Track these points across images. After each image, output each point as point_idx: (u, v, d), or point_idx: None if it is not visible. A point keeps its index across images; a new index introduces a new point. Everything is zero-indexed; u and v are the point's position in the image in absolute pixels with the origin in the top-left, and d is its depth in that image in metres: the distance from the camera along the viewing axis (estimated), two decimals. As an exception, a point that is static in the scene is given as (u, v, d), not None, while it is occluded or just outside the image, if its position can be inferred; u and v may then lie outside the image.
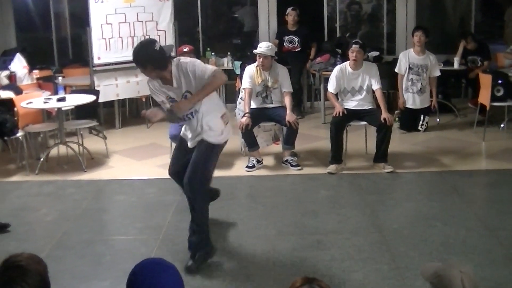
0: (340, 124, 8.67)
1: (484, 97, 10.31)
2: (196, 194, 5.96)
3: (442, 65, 11.50)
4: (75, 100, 9.35)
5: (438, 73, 10.60)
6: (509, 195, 7.72)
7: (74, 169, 9.07)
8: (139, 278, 2.98)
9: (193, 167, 5.90)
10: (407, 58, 10.54)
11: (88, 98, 9.34)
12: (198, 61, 5.84)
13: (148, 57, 5.67)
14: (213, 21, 14.97)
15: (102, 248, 6.40)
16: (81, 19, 12.34)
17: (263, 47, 8.77)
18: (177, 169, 6.29)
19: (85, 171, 8.93)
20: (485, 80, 10.30)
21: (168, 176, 8.54)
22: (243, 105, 8.81)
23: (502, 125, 10.77)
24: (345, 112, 8.68)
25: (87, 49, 11.16)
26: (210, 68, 5.73)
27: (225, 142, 6.15)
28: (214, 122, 5.95)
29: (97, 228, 7.03)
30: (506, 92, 10.17)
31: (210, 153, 5.97)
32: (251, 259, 6.03)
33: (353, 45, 8.78)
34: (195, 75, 5.66)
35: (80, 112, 9.94)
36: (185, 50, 8.92)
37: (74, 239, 6.66)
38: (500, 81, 10.16)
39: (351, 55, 8.75)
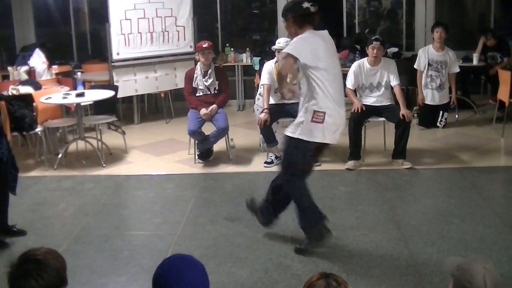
0: (358, 120, 8.65)
1: (503, 94, 10.26)
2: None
3: (461, 61, 11.46)
4: (94, 95, 9.38)
5: (457, 70, 10.56)
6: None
7: (93, 164, 9.11)
8: (167, 272, 2.98)
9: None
10: (427, 54, 10.51)
11: (107, 94, 9.36)
12: (303, 38, 5.75)
13: (291, 9, 5.86)
14: (232, 16, 14.98)
15: (120, 243, 6.41)
16: (100, 15, 12.40)
17: (282, 42, 8.76)
18: None
19: (104, 166, 8.96)
20: (505, 77, 10.25)
21: (186, 172, 8.60)
22: (262, 101, 8.81)
23: (521, 122, 10.72)
24: (364, 108, 8.67)
25: (106, 45, 11.19)
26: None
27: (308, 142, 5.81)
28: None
29: (115, 223, 7.04)
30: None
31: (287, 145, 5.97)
32: (269, 254, 6.02)
33: (374, 42, 8.75)
34: None
35: (99, 107, 9.98)
36: (204, 46, 8.92)
37: (93, 234, 6.68)
38: (519, 78, 10.11)
39: (371, 51, 8.72)
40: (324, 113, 5.69)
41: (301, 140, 5.76)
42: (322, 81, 5.68)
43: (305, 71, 5.74)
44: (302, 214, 5.99)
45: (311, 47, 5.69)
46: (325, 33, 5.99)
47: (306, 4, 5.82)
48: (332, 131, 5.82)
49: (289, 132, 5.84)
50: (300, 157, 5.85)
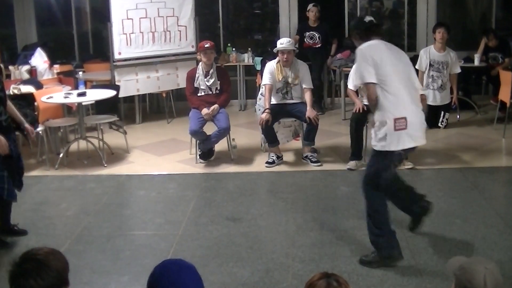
0: (360, 120, 8.65)
1: (505, 94, 10.26)
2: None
3: (463, 62, 11.46)
4: (95, 95, 9.38)
5: (458, 70, 10.56)
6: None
7: (94, 164, 9.11)
8: (159, 279, 2.99)
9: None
10: (428, 55, 10.51)
11: (109, 93, 9.37)
12: (363, 56, 5.74)
13: (355, 26, 6.03)
14: (234, 16, 14.98)
15: (122, 243, 6.42)
16: (102, 14, 12.40)
17: (285, 42, 8.76)
18: None
19: (105, 166, 8.97)
20: (506, 77, 10.25)
21: (188, 172, 8.61)
22: (264, 101, 8.81)
23: (523, 122, 10.72)
24: (365, 108, 8.66)
25: (108, 44, 11.19)
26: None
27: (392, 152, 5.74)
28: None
29: (117, 223, 7.04)
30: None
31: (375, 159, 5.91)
32: (271, 254, 6.03)
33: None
34: None
35: (101, 107, 9.99)
36: (206, 46, 8.93)
37: (94, 233, 6.68)
38: (520, 78, 10.12)
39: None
40: (405, 118, 5.61)
41: (389, 152, 5.69)
42: (392, 88, 5.63)
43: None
44: (375, 231, 5.87)
45: (372, 61, 5.62)
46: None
47: (367, 18, 5.92)
48: (418, 131, 5.82)
49: (377, 146, 5.73)
50: (387, 168, 5.81)
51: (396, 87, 5.61)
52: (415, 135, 5.74)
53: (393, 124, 5.56)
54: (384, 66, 5.59)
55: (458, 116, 11.32)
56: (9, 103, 6.70)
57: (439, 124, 10.71)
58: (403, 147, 5.66)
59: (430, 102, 10.54)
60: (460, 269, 3.19)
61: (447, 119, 10.74)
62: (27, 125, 6.86)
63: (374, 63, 5.58)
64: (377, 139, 5.69)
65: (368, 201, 5.87)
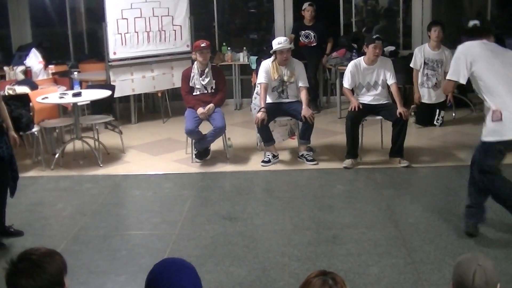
0: (356, 118, 8.65)
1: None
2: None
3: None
4: (90, 95, 9.37)
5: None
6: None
7: (90, 164, 9.09)
8: (158, 278, 2.98)
9: None
10: (422, 53, 10.52)
11: (104, 93, 9.36)
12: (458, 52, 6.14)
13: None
14: (229, 15, 14.97)
15: (119, 243, 6.42)
16: (97, 14, 12.39)
17: (283, 41, 8.77)
18: None
19: (101, 166, 8.96)
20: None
21: (184, 171, 8.60)
22: (259, 100, 8.81)
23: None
24: (361, 107, 8.67)
25: (103, 44, 11.18)
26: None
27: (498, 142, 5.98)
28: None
29: (114, 223, 7.04)
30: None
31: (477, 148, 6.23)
32: (267, 253, 6.03)
33: (377, 41, 8.74)
34: None
35: (96, 107, 9.98)
36: (202, 45, 8.93)
37: (91, 234, 6.68)
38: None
39: (374, 51, 8.69)
40: (500, 111, 5.86)
41: (488, 142, 5.99)
42: (486, 82, 5.98)
43: (472, 80, 6.11)
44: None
45: (465, 60, 6.02)
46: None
47: (471, 22, 6.29)
48: None
49: (482, 136, 6.06)
50: (490, 157, 6.05)
51: (498, 82, 5.96)
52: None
53: (491, 116, 5.94)
54: (477, 64, 5.98)
55: (453, 114, 11.33)
56: (3, 105, 6.69)
57: (435, 122, 10.73)
58: (504, 138, 5.93)
59: (425, 100, 10.58)
60: (458, 263, 3.26)
61: (442, 117, 10.76)
62: (12, 133, 6.80)
63: (469, 64, 6.00)
64: (483, 129, 6.10)
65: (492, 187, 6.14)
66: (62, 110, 9.94)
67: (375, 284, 5.39)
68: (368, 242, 6.21)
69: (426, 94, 10.58)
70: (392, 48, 12.48)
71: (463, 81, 6.09)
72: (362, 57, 8.96)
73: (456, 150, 9.33)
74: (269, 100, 8.84)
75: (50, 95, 9.23)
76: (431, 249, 6.01)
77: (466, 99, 11.87)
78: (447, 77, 6.14)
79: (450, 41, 11.69)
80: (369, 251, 6.02)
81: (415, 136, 10.05)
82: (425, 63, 10.48)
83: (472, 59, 5.97)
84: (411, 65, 10.64)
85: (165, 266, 3.04)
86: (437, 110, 10.70)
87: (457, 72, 6.07)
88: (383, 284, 5.39)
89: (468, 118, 11.32)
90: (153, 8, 11.39)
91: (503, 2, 14.19)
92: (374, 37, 8.92)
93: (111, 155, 9.55)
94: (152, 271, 3.02)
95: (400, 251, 5.99)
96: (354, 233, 6.44)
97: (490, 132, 5.94)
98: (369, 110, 8.80)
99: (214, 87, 9.07)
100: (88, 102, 9.81)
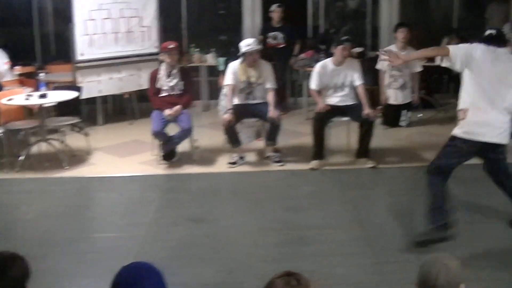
0: (322, 120, 8.68)
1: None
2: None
3: (425, 61, 11.53)
4: (57, 96, 9.30)
5: (419, 69, 10.65)
6: (490, 189, 7.72)
7: (56, 166, 9.01)
8: (124, 282, 2.96)
9: None
10: (390, 54, 10.56)
11: (70, 95, 9.30)
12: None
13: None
14: (198, 17, 14.93)
15: (85, 246, 6.38)
16: (64, 15, 12.27)
17: (252, 43, 8.78)
18: None
19: (67, 168, 8.88)
20: (467, 76, 10.33)
21: (150, 173, 8.57)
22: (226, 102, 8.81)
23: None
24: (328, 108, 8.70)
25: (71, 45, 11.10)
26: None
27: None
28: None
29: (80, 226, 6.99)
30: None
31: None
32: (234, 254, 6.04)
33: (345, 43, 8.77)
34: None
35: (62, 109, 9.90)
36: (170, 46, 8.92)
37: (56, 237, 6.63)
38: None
39: (342, 53, 8.71)
40: (466, 110, 6.09)
41: (456, 137, 6.15)
42: (468, 83, 6.10)
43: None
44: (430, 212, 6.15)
45: (464, 55, 6.00)
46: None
47: (488, 32, 6.27)
48: (478, 127, 6.05)
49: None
50: (448, 154, 6.23)
51: (478, 87, 6.04)
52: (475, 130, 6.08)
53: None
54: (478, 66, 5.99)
55: (420, 115, 11.40)
56: None
57: (401, 123, 10.81)
58: (465, 137, 6.12)
59: (392, 101, 10.65)
60: (423, 262, 3.30)
61: (409, 118, 10.85)
62: None
63: (464, 61, 5.99)
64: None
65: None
66: (28, 112, 9.86)
67: (341, 285, 5.42)
68: (334, 243, 6.24)
69: (392, 95, 10.65)
70: (359, 49, 12.52)
71: (456, 67, 6.04)
72: (329, 58, 8.99)
73: (422, 150, 9.39)
74: (236, 101, 8.85)
75: (15, 97, 9.14)
76: (397, 250, 6.05)
77: (432, 99, 11.95)
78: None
79: (417, 42, 11.77)
80: (335, 251, 6.05)
81: (381, 137, 10.08)
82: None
83: (472, 57, 5.97)
84: (378, 66, 10.70)
85: (132, 270, 3.02)
86: (404, 111, 10.78)
87: (454, 55, 5.99)
88: (349, 284, 5.43)
89: (434, 119, 11.39)
90: (121, 9, 11.33)
91: (470, 4, 14.32)
92: (343, 38, 8.96)
93: (77, 157, 9.48)
94: (119, 275, 2.99)
95: (365, 251, 6.03)
96: (320, 234, 6.47)
97: (460, 128, 6.09)
98: (336, 111, 8.83)
99: (181, 89, 9.05)
100: (55, 103, 9.74)
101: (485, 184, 7.88)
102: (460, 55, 5.94)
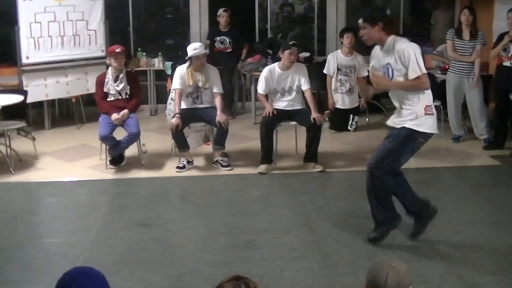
0: (270, 124, 8.71)
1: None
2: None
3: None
4: (2, 100, 9.18)
5: (365, 74, 10.73)
6: (435, 192, 7.85)
7: (2, 171, 8.89)
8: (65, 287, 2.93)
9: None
10: (336, 59, 10.67)
11: (16, 99, 9.20)
12: (416, 51, 5.94)
13: (384, 16, 6.19)
14: (145, 21, 14.88)
15: (32, 252, 6.30)
16: (9, 17, 12.14)
17: (198, 47, 8.77)
18: None
19: (14, 173, 8.77)
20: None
21: (98, 177, 8.51)
22: (174, 106, 8.79)
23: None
24: (275, 112, 8.73)
25: (16, 48, 10.97)
26: (420, 70, 5.90)
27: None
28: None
29: (27, 231, 6.91)
30: (433, 93, 10.30)
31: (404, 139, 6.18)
32: (183, 259, 6.03)
33: (292, 47, 8.82)
34: (404, 63, 5.92)
35: (8, 113, 9.79)
36: (117, 50, 8.88)
37: (3, 243, 6.53)
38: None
39: (289, 57, 8.76)
40: (431, 106, 6.12)
41: (421, 133, 6.11)
42: None
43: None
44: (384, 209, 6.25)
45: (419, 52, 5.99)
46: None
47: (388, 11, 6.16)
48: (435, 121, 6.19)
49: (411, 125, 6.08)
50: (409, 151, 6.24)
51: None
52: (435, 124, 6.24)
53: (423, 109, 6.06)
54: None
55: (367, 119, 11.51)
56: None
57: (349, 127, 10.91)
58: (432, 131, 6.20)
59: (339, 105, 10.74)
60: (372, 265, 3.31)
61: (356, 122, 10.94)
62: None
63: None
64: (408, 119, 6.12)
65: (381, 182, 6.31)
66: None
67: (290, 289, 5.44)
68: (283, 247, 6.26)
69: (340, 100, 10.74)
70: (307, 54, 12.61)
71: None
72: (276, 62, 9.04)
73: (370, 154, 9.34)
74: (183, 106, 8.83)
75: (-41, 101, 9.03)
76: (346, 253, 6.11)
77: (379, 104, 12.06)
78: (418, 74, 5.98)
79: (364, 47, 11.87)
80: (284, 255, 6.07)
81: (329, 141, 10.16)
82: (338, 69, 10.64)
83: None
84: (325, 71, 10.77)
85: (74, 275, 2.99)
86: (351, 116, 10.88)
87: (422, 66, 5.96)
88: (298, 288, 5.45)
89: (382, 123, 11.44)
90: (67, 12, 11.23)
91: (416, 10, 14.51)
92: (291, 43, 9.01)
93: (24, 162, 9.37)
94: (61, 281, 2.97)
95: (314, 255, 6.06)
96: (269, 238, 6.49)
97: (423, 124, 6.07)
98: (283, 115, 8.87)
99: (128, 93, 9.02)
100: (0, 107, 9.62)
101: (435, 188, 8.05)
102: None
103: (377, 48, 6.26)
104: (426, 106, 6.04)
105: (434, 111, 6.15)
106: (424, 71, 5.89)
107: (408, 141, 6.10)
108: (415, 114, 6.00)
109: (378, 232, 6.27)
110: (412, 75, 5.86)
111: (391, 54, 5.99)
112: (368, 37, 6.18)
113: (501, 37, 9.52)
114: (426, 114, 6.03)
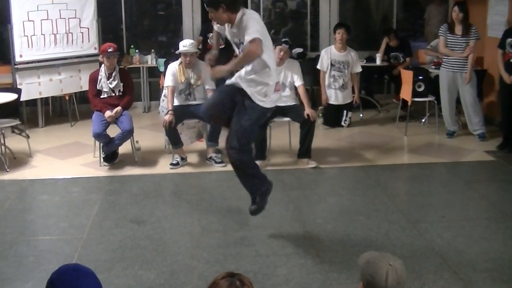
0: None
1: (406, 93, 10.49)
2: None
3: (365, 61, 11.68)
4: (-4, 98, 9.19)
5: (359, 69, 10.77)
6: (429, 188, 7.88)
7: (-4, 169, 8.93)
8: (57, 285, 2.93)
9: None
10: (329, 55, 10.67)
11: (10, 97, 9.19)
12: (255, 18, 5.93)
13: None
14: (138, 18, 14.87)
15: (25, 249, 6.30)
16: (2, 15, 12.13)
17: (187, 45, 8.76)
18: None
19: (8, 171, 8.77)
20: (407, 76, 10.48)
21: (91, 175, 8.50)
22: (167, 103, 8.79)
23: (423, 120, 10.99)
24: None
25: (9, 47, 10.96)
26: (251, 34, 5.80)
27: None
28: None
29: (20, 229, 6.90)
30: (427, 88, 10.36)
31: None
32: (176, 256, 6.02)
33: (283, 44, 8.82)
34: (243, 30, 5.90)
35: (2, 111, 9.77)
36: (109, 50, 8.88)
37: (-4, 240, 6.55)
38: (420, 77, 10.36)
39: (278, 52, 8.76)
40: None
41: (268, 109, 6.18)
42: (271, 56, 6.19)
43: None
44: (254, 181, 6.39)
45: (261, 25, 5.96)
46: None
47: None
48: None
49: (260, 100, 6.13)
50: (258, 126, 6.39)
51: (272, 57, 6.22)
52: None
53: (274, 86, 6.14)
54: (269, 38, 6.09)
55: (361, 115, 11.52)
56: None
57: (342, 123, 10.91)
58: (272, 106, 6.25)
59: (332, 101, 10.73)
60: (366, 263, 3.27)
61: (350, 118, 10.94)
62: None
63: (264, 31, 5.97)
64: (259, 95, 6.17)
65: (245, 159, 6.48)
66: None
67: (284, 285, 5.43)
68: (276, 243, 6.26)
69: (333, 96, 10.73)
70: (299, 50, 12.61)
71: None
72: (269, 59, 9.02)
73: (363, 150, 9.48)
74: (176, 102, 8.83)
75: (-47, 99, 9.02)
76: (339, 249, 6.10)
77: (373, 100, 12.08)
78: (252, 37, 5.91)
79: (358, 43, 11.90)
80: (277, 252, 6.07)
81: (322, 137, 10.17)
82: (331, 64, 10.63)
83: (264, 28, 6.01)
84: (318, 66, 10.77)
85: (64, 273, 2.98)
86: (344, 111, 10.88)
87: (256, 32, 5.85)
88: (292, 284, 5.44)
89: (375, 119, 11.52)
90: (60, 10, 11.22)
91: (409, 5, 14.53)
92: (283, 40, 9.01)
93: (18, 160, 9.37)
94: (51, 280, 2.96)
95: (308, 251, 6.06)
96: (262, 234, 6.48)
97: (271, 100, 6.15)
98: (276, 111, 8.84)
99: (121, 90, 9.01)
100: (-7, 105, 9.62)
101: (429, 183, 8.07)
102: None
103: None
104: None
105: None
106: (256, 35, 5.78)
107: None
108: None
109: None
110: (247, 39, 5.83)
111: (240, 29, 6.00)
112: (217, 20, 6.23)
113: (507, 32, 9.44)
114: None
